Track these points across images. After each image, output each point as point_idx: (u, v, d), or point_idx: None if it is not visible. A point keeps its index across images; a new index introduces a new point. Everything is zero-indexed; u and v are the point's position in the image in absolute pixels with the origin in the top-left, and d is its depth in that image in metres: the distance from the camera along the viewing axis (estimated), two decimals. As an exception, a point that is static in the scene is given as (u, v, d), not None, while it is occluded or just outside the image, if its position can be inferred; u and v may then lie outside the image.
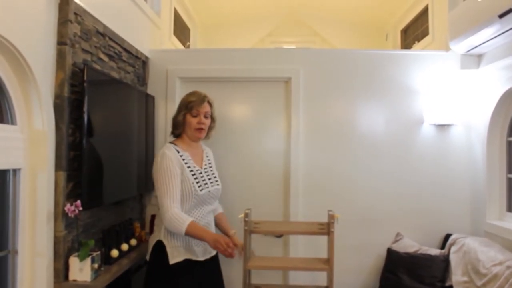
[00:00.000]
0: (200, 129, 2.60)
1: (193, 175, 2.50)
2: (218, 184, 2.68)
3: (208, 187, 2.56)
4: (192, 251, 2.50)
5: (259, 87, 3.53)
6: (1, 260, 2.01)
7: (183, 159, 2.51)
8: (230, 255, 2.32)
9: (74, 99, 2.31)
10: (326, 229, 2.54)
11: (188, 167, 2.51)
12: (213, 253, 2.62)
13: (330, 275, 2.50)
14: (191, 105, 2.57)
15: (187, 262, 2.47)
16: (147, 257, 2.55)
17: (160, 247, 2.46)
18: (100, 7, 2.63)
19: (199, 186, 2.50)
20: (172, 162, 2.44)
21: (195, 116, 2.58)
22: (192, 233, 2.35)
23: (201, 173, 2.57)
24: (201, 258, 2.54)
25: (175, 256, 2.45)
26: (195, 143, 2.68)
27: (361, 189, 3.47)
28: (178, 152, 2.52)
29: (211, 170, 2.70)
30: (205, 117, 2.61)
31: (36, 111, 2.09)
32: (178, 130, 2.63)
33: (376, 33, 5.70)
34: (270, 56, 3.54)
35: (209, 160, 2.74)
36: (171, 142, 2.60)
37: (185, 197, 2.46)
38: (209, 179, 2.62)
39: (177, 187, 2.42)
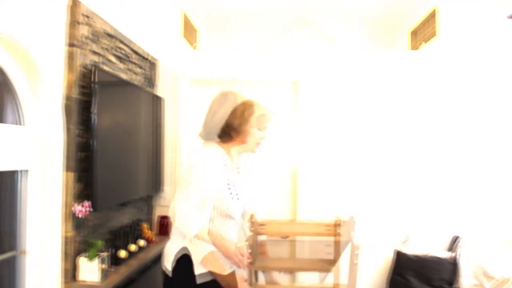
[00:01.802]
0: (259, 144, 2.40)
1: (227, 184, 2.29)
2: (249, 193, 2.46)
3: (239, 196, 2.36)
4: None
5: (266, 89, 3.53)
6: (11, 260, 2.02)
7: (225, 165, 2.29)
8: (241, 263, 2.14)
9: (83, 101, 2.33)
10: (333, 230, 2.49)
11: (225, 176, 2.28)
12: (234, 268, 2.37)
13: (336, 277, 2.48)
14: (263, 119, 2.37)
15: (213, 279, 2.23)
16: (168, 266, 2.24)
17: (184, 255, 2.21)
18: (109, 9, 2.64)
19: (232, 198, 2.30)
20: (215, 167, 2.22)
21: (260, 131, 2.36)
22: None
23: (236, 182, 2.36)
24: (225, 273, 2.26)
25: (201, 269, 2.20)
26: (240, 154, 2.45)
27: (370, 191, 3.46)
28: (224, 155, 2.30)
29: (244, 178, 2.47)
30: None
31: (46, 112, 2.10)
32: (239, 137, 2.35)
33: (384, 35, 5.68)
34: (278, 58, 3.54)
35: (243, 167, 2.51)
36: (216, 143, 2.34)
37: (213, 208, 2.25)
38: (241, 187, 2.41)
39: (200, 196, 2.19)
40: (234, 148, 2.38)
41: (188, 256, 2.20)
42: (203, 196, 2.20)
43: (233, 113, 2.35)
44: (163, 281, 2.26)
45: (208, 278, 2.21)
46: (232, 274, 2.19)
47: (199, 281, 2.17)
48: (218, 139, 2.38)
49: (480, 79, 3.43)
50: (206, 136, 2.38)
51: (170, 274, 2.19)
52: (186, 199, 2.18)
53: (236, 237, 2.43)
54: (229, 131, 2.34)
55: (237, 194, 2.35)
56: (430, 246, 3.31)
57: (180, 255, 2.20)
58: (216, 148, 2.29)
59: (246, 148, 2.39)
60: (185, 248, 2.20)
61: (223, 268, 2.18)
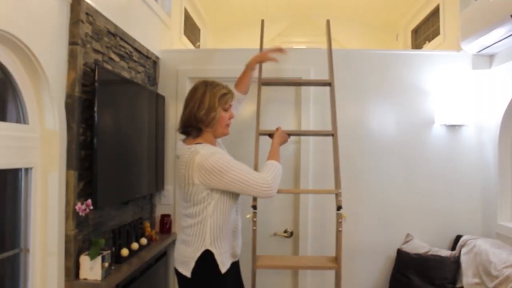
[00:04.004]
0: (229, 125, 2.38)
1: None
2: None
3: None
4: (235, 253, 2.34)
5: (269, 88, 3.52)
6: (13, 258, 2.03)
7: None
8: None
9: (85, 99, 2.33)
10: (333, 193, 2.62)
11: None
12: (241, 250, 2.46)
13: (338, 274, 2.50)
14: (225, 98, 2.30)
15: (231, 266, 2.28)
16: (186, 273, 2.20)
17: (207, 257, 2.19)
18: (111, 8, 2.65)
19: None
20: (223, 151, 2.25)
21: (226, 111, 2.32)
22: (278, 157, 2.36)
23: None
24: (238, 258, 2.41)
25: (225, 264, 2.22)
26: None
27: (371, 189, 3.46)
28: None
29: None
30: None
31: (48, 110, 2.11)
32: (209, 127, 2.29)
33: (386, 33, 5.67)
34: (281, 56, 3.53)
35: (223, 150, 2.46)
36: (198, 143, 2.25)
37: (231, 203, 2.26)
38: None
39: (244, 165, 2.20)
40: (209, 138, 2.33)
41: (208, 254, 2.19)
42: (247, 167, 2.20)
43: (199, 105, 2.27)
44: (181, 283, 2.26)
45: (229, 265, 2.26)
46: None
47: (223, 271, 2.20)
48: (191, 137, 2.31)
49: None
50: (182, 130, 2.34)
51: (189, 275, 2.19)
52: (253, 184, 2.15)
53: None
54: (197, 124, 2.27)
55: None
56: (432, 245, 3.31)
57: (200, 255, 2.18)
58: (205, 148, 2.20)
59: (218, 133, 2.35)
60: (207, 251, 2.19)
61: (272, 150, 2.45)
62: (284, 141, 2.57)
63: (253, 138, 2.91)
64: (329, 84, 2.90)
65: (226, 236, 2.26)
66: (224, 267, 2.20)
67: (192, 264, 2.19)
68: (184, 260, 2.22)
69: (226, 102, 2.30)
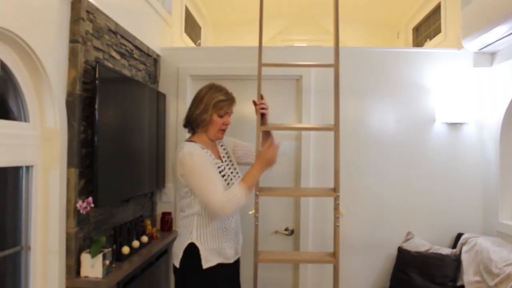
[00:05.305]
0: (224, 130, 2.44)
1: (220, 172, 2.34)
2: (239, 176, 2.47)
3: (233, 182, 2.39)
4: (224, 254, 2.33)
5: (269, 85, 3.51)
6: (14, 256, 2.03)
7: (210, 156, 2.34)
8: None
9: (86, 97, 2.33)
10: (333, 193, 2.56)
11: (216, 163, 2.35)
12: (239, 254, 2.49)
13: (336, 268, 2.51)
14: (221, 105, 2.37)
15: (219, 266, 2.30)
16: (176, 263, 2.31)
17: (192, 250, 2.27)
18: (112, 5, 2.64)
19: (227, 184, 2.34)
20: (205, 155, 2.28)
21: (221, 117, 2.39)
22: (252, 185, 2.29)
23: (224, 168, 2.41)
24: (231, 261, 2.40)
25: (208, 260, 2.26)
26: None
27: (372, 187, 3.46)
28: (203, 149, 2.33)
29: (231, 162, 2.51)
30: (229, 116, 2.46)
31: (49, 108, 2.10)
32: (200, 128, 2.40)
33: (387, 31, 5.66)
34: (281, 54, 3.53)
35: (225, 150, 2.54)
36: (190, 140, 2.38)
37: None
38: (231, 172, 2.45)
39: (218, 177, 2.26)
40: (203, 138, 2.42)
41: (194, 247, 2.27)
42: (217, 182, 2.24)
43: (197, 105, 2.40)
44: (174, 276, 2.37)
45: (214, 263, 2.30)
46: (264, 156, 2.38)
47: (205, 266, 2.26)
48: (190, 134, 2.48)
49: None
50: (183, 124, 2.49)
51: (178, 265, 2.30)
52: (208, 201, 2.19)
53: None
54: (192, 122, 2.42)
55: (228, 175, 2.42)
56: (432, 243, 3.31)
57: (186, 247, 2.27)
58: (192, 147, 2.30)
59: (210, 135, 2.43)
60: (192, 244, 2.28)
61: (252, 169, 2.34)
62: (272, 164, 2.43)
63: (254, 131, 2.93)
64: (333, 66, 2.85)
65: (214, 234, 2.31)
66: (207, 263, 2.27)
67: (181, 255, 2.30)
68: (176, 252, 2.35)
69: (221, 109, 2.39)
